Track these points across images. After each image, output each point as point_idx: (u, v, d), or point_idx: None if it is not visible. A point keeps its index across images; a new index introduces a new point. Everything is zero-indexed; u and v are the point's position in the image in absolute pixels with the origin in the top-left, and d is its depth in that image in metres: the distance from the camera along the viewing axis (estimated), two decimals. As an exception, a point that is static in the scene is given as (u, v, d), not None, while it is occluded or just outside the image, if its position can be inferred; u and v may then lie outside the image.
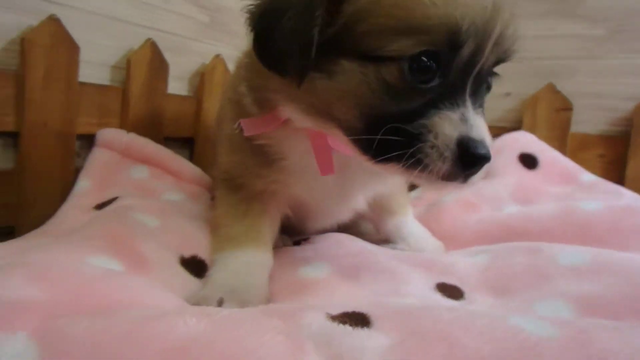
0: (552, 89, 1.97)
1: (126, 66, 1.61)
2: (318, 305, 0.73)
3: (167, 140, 1.76)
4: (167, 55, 1.74)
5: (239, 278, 0.94)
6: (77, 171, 1.44)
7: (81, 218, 1.19)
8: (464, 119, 0.78)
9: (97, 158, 1.46)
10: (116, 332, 0.56)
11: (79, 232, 0.97)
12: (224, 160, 1.14)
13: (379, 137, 0.79)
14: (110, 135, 1.51)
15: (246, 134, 1.01)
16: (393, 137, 0.79)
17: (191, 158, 1.92)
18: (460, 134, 0.77)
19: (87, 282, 0.68)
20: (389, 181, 1.19)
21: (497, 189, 1.64)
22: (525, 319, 0.71)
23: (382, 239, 1.33)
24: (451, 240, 1.39)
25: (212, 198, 1.33)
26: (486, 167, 0.82)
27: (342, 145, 0.90)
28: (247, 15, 0.86)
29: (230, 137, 1.08)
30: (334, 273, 1.02)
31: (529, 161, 1.76)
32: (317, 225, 1.24)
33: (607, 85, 1.92)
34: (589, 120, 1.95)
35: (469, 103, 0.80)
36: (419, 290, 0.99)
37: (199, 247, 1.05)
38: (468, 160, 0.78)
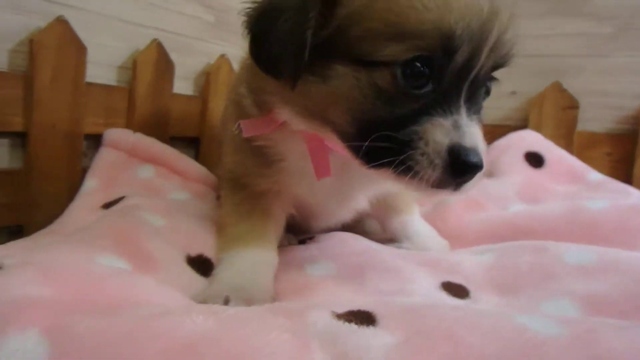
0: (558, 87, 1.96)
1: (132, 66, 1.62)
2: (323, 304, 0.73)
3: (173, 140, 1.77)
4: (173, 55, 1.74)
5: (244, 277, 0.94)
6: (84, 171, 1.45)
7: (89, 217, 1.20)
8: (456, 126, 0.77)
9: (104, 158, 1.47)
10: (124, 329, 0.57)
11: (86, 231, 0.98)
12: (228, 160, 1.14)
13: (366, 143, 0.79)
14: (117, 135, 1.52)
15: (245, 135, 1.01)
16: (384, 143, 0.78)
17: (197, 157, 1.92)
18: (451, 142, 0.76)
19: (95, 280, 0.69)
20: (389, 183, 1.19)
21: (503, 188, 1.64)
22: (531, 318, 0.71)
23: (388, 238, 1.33)
24: (457, 239, 1.39)
25: (218, 197, 1.34)
26: (480, 175, 0.81)
27: (339, 147, 0.90)
28: (244, 17, 0.86)
29: (233, 137, 1.09)
30: (339, 272, 1.03)
31: (535, 160, 1.76)
32: (321, 224, 1.24)
33: (614, 83, 1.91)
34: (596, 118, 1.94)
35: (463, 109, 0.79)
36: (424, 289, 0.99)
37: (205, 246, 1.06)
38: (459, 168, 0.76)
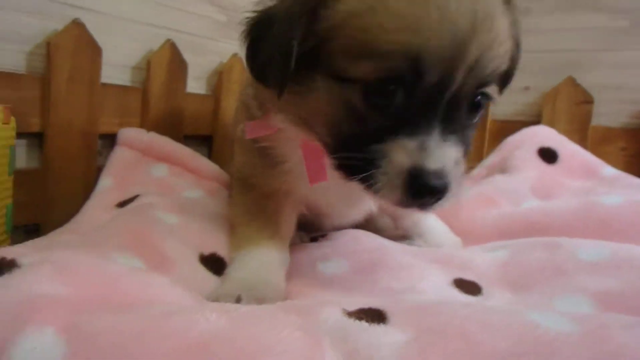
0: (572, 82, 1.94)
1: (146, 67, 1.64)
2: (334, 302, 0.74)
3: (187, 139, 1.79)
4: (186, 55, 1.76)
5: (256, 276, 0.95)
6: (99, 170, 1.47)
7: (104, 216, 1.22)
8: (422, 147, 0.76)
9: (119, 157, 1.49)
10: (137, 328, 0.58)
11: (102, 230, 1.00)
12: (238, 160, 1.16)
13: (337, 156, 0.82)
14: (131, 134, 1.54)
15: (248, 136, 1.03)
16: (353, 159, 0.79)
17: (210, 155, 1.94)
18: (412, 164, 0.75)
19: (111, 279, 0.70)
20: None
21: (517, 184, 1.63)
22: (543, 314, 0.71)
23: (400, 235, 1.34)
24: (469, 235, 1.38)
25: (230, 195, 1.35)
26: (451, 196, 0.79)
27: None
28: (244, 25, 0.87)
29: (241, 138, 1.11)
30: (350, 269, 1.03)
31: (548, 155, 1.74)
32: (333, 222, 1.25)
33: (629, 77, 1.89)
34: (610, 113, 1.92)
35: (436, 130, 0.77)
36: (436, 286, 1.00)
37: (218, 244, 1.07)
38: (418, 190, 0.76)
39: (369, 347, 0.63)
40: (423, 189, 0.76)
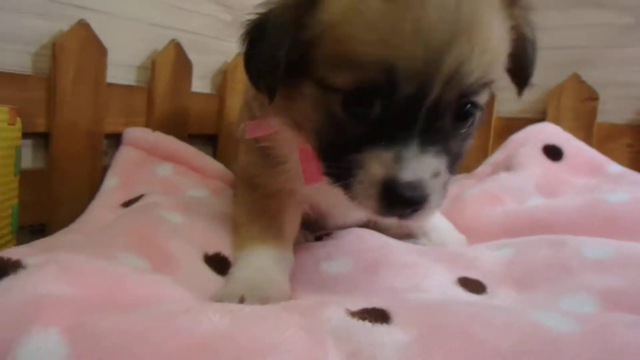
0: (577, 79, 1.93)
1: (151, 67, 1.64)
2: (338, 301, 0.74)
3: (191, 138, 1.80)
4: (191, 55, 1.77)
5: (259, 276, 0.95)
6: (104, 169, 1.48)
7: (109, 216, 1.23)
8: (398, 158, 0.75)
9: (124, 156, 1.50)
10: (141, 328, 0.58)
11: (107, 230, 1.00)
12: (242, 160, 1.17)
13: (323, 161, 0.83)
14: (137, 133, 1.55)
15: (248, 136, 1.04)
16: (335, 166, 0.81)
17: (214, 154, 1.95)
18: (386, 175, 0.75)
19: (115, 279, 0.71)
20: None
21: (522, 181, 1.63)
22: (546, 314, 0.71)
23: (405, 234, 1.34)
24: (474, 233, 1.38)
25: (235, 194, 1.36)
26: (430, 207, 0.78)
27: None
28: (243, 28, 0.88)
29: (244, 138, 1.11)
30: (354, 268, 1.03)
31: (553, 152, 1.74)
32: (336, 222, 1.25)
33: (634, 73, 1.88)
34: (616, 109, 1.91)
35: (413, 141, 0.76)
36: (440, 285, 1.00)
37: (223, 244, 1.07)
38: (393, 201, 0.76)
39: (372, 347, 0.63)
40: (397, 201, 0.75)
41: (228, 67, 1.94)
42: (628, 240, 1.10)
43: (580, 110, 1.94)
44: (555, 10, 1.97)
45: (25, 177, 1.25)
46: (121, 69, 1.57)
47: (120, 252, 0.88)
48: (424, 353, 0.62)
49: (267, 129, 1.00)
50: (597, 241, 1.07)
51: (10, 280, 0.64)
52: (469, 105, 0.80)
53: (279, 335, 0.61)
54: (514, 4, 0.86)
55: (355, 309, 0.71)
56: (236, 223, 1.12)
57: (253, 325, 0.62)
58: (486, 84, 0.79)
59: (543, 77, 1.97)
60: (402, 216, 0.79)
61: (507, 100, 2.03)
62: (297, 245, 1.12)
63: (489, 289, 1.02)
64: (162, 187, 1.43)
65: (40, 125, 1.33)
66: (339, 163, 0.80)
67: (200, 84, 1.89)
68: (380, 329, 0.66)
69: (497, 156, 1.88)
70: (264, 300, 0.84)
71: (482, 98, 0.81)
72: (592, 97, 1.92)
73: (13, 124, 1.14)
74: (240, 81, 1.95)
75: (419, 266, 1.04)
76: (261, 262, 1.00)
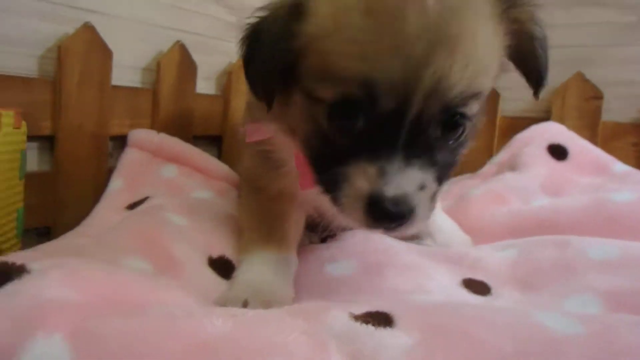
0: (580, 78, 1.93)
1: (156, 68, 1.65)
2: (341, 305, 0.74)
3: (196, 139, 1.80)
4: (195, 56, 1.77)
5: (263, 279, 0.96)
6: (109, 172, 1.48)
7: (114, 218, 1.23)
8: (382, 173, 0.74)
9: (129, 158, 1.50)
10: (145, 331, 0.58)
11: (111, 233, 1.01)
12: (245, 162, 1.17)
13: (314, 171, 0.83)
14: (142, 135, 1.55)
15: (248, 139, 1.04)
16: (324, 176, 0.81)
17: (219, 155, 1.95)
18: (371, 190, 0.74)
19: (119, 284, 0.71)
20: None
21: (527, 181, 1.63)
22: (550, 315, 0.71)
23: (410, 235, 1.33)
24: (479, 233, 1.38)
25: (239, 196, 1.36)
26: (416, 221, 0.77)
27: None
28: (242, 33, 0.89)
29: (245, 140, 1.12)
30: (359, 270, 1.03)
31: (558, 152, 1.73)
32: (340, 223, 1.25)
33: (638, 72, 1.87)
34: (621, 108, 1.90)
35: (397, 155, 0.75)
36: (445, 286, 1.00)
37: (227, 246, 1.07)
38: (378, 216, 0.75)
39: (374, 351, 0.63)
40: (382, 215, 0.75)
41: (233, 68, 1.94)
42: (633, 239, 1.10)
43: (585, 109, 1.93)
44: (559, 9, 1.97)
45: (31, 180, 1.25)
46: (126, 71, 1.58)
47: (125, 255, 0.88)
48: (427, 356, 0.63)
49: (267, 133, 1.00)
50: (601, 241, 1.07)
51: (14, 285, 0.64)
52: (457, 116, 0.79)
53: (281, 339, 0.61)
54: (514, 6, 0.85)
55: (359, 313, 0.71)
56: (240, 226, 1.13)
57: (256, 329, 0.63)
58: (474, 95, 0.78)
59: (548, 76, 1.99)
60: (388, 229, 0.79)
61: (511, 99, 2.03)
62: (302, 247, 1.13)
63: (493, 290, 1.02)
64: (167, 189, 1.43)
65: (45, 128, 1.34)
66: (328, 174, 0.80)
67: (205, 85, 1.89)
68: (383, 332, 0.66)
69: (502, 156, 1.88)
70: (267, 304, 0.84)
71: (471, 108, 0.80)
72: (596, 96, 1.91)
73: (18, 128, 1.15)
74: (244, 82, 1.94)
75: (424, 268, 1.05)
76: (264, 265, 1.00)
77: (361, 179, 0.75)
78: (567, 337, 0.65)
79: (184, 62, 1.73)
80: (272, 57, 0.81)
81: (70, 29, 1.37)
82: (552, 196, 1.56)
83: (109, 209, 1.32)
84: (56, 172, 1.37)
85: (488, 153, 2.02)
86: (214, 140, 1.97)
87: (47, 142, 1.38)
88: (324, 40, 0.76)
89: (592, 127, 1.92)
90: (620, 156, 1.73)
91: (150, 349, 0.57)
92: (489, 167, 1.87)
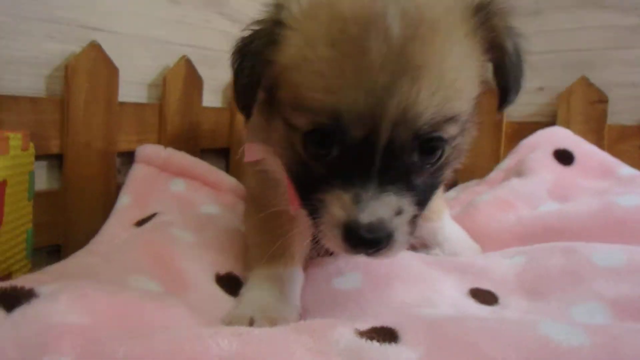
0: (585, 82, 1.92)
1: (162, 83, 1.67)
2: (347, 321, 0.75)
3: (204, 152, 1.82)
4: (201, 69, 1.79)
5: (268, 297, 0.96)
6: (118, 188, 1.49)
7: (123, 235, 1.24)
8: (357, 200, 0.75)
9: (137, 174, 1.51)
10: (151, 356, 0.59)
11: (119, 252, 1.02)
12: (247, 180, 1.19)
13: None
14: (149, 150, 1.56)
15: (245, 159, 1.06)
16: (305, 201, 0.82)
17: (227, 168, 1.97)
18: (347, 217, 0.75)
19: (127, 306, 0.72)
20: None
21: (534, 187, 1.62)
22: (556, 326, 0.71)
23: (418, 244, 1.33)
24: (487, 239, 1.38)
25: (245, 211, 1.37)
26: (396, 245, 0.78)
27: None
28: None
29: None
30: (365, 283, 1.03)
31: (564, 157, 1.72)
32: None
33: (642, 74, 1.86)
34: (626, 111, 1.89)
35: (372, 182, 0.75)
36: (452, 297, 1.00)
37: (234, 263, 1.08)
38: (354, 243, 0.76)
39: (379, 367, 0.64)
40: (358, 242, 0.76)
41: (238, 81, 1.95)
42: (639, 244, 1.10)
43: (590, 113, 1.92)
44: (562, 13, 1.96)
45: (41, 199, 1.27)
46: (133, 87, 1.60)
47: (134, 274, 0.90)
48: (431, 371, 0.63)
49: (262, 154, 1.02)
50: (607, 247, 1.07)
51: (23, 309, 0.66)
52: (433, 141, 0.79)
53: (287, 357, 0.62)
54: (487, 20, 0.84)
55: (364, 329, 0.72)
56: (246, 242, 1.13)
57: (261, 348, 0.63)
58: (447, 120, 0.78)
59: (552, 80, 1.99)
60: (368, 254, 0.79)
61: (517, 104, 2.01)
62: (309, 261, 1.13)
63: (500, 300, 1.02)
64: (175, 204, 1.44)
65: (54, 146, 1.36)
66: (309, 199, 0.81)
67: (211, 98, 1.91)
68: (388, 348, 0.67)
69: (508, 161, 1.87)
70: (273, 321, 0.85)
71: (447, 132, 0.79)
72: (601, 99, 1.90)
73: (26, 150, 1.16)
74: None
75: (430, 279, 1.05)
76: (270, 282, 1.00)
77: (337, 206, 0.76)
78: (571, 348, 0.66)
79: (190, 76, 1.75)
80: (252, 74, 0.84)
81: (76, 47, 1.39)
82: (559, 201, 1.56)
83: (117, 225, 1.33)
84: (65, 189, 1.39)
85: (495, 158, 2.02)
86: (222, 152, 1.98)
87: (56, 160, 1.40)
88: (294, 72, 0.78)
89: (597, 130, 1.91)
90: (626, 158, 1.72)
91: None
92: (496, 173, 1.86)
